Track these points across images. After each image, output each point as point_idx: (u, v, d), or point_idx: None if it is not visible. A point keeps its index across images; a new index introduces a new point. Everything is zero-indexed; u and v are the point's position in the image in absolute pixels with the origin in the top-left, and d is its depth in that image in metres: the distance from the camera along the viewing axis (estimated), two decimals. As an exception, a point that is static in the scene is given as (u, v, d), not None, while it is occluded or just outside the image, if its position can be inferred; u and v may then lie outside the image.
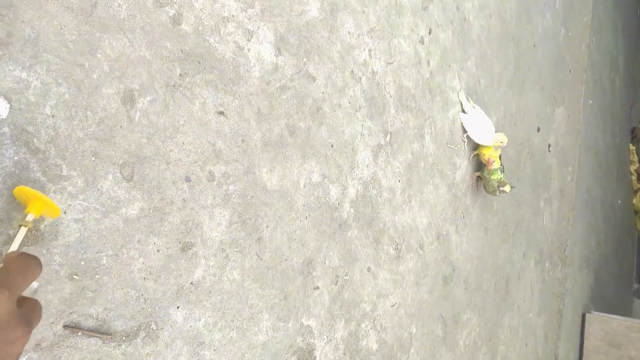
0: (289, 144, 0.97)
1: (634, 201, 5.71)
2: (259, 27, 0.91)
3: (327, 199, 1.08)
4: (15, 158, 0.57)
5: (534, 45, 2.45)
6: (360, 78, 1.18)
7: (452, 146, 1.64)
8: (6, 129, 0.57)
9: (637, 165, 5.53)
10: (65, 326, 0.62)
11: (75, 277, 0.63)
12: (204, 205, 0.80)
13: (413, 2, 1.38)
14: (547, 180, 2.70)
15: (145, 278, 0.72)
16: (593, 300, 3.79)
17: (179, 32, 0.77)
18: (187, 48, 0.78)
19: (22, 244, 0.58)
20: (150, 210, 0.72)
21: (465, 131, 1.69)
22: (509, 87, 2.14)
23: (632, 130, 5.54)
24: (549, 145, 2.72)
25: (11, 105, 0.57)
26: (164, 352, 0.75)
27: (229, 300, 0.85)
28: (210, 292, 0.82)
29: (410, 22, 1.37)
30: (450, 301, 1.66)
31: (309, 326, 1.04)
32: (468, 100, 1.70)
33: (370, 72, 1.21)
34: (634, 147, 5.49)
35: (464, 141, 1.71)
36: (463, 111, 1.68)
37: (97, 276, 0.66)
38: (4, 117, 0.56)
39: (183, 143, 0.77)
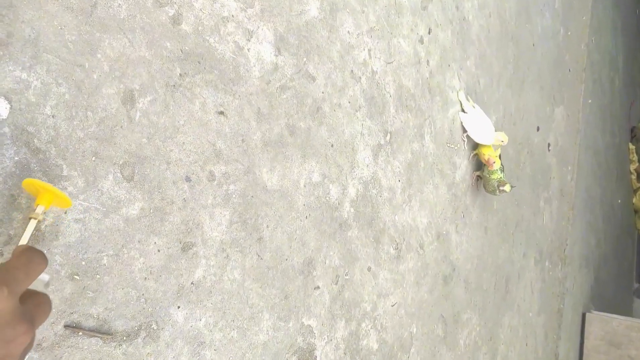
0: (289, 144, 0.98)
1: (634, 200, 5.72)
2: (258, 27, 0.91)
3: (327, 198, 1.08)
4: (16, 158, 0.57)
5: (534, 45, 2.45)
6: (360, 78, 1.18)
7: (452, 146, 1.64)
8: (6, 129, 0.57)
9: (637, 164, 5.53)
10: (66, 326, 0.62)
11: (76, 277, 0.63)
12: (205, 205, 0.81)
13: (412, 1, 1.38)
14: (546, 180, 2.70)
15: (146, 278, 0.72)
16: (593, 299, 3.79)
17: (178, 32, 0.77)
18: (187, 48, 0.78)
19: (31, 238, 0.58)
20: (151, 210, 0.72)
21: (465, 131, 1.69)
22: (509, 86, 2.14)
23: (632, 130, 5.55)
24: (549, 145, 2.72)
25: (11, 106, 0.57)
26: (164, 352, 0.75)
27: (230, 300, 0.85)
28: (210, 291, 0.82)
29: (409, 21, 1.37)
30: (451, 301, 1.66)
31: (310, 326, 1.04)
32: (468, 99, 1.70)
33: (370, 71, 1.21)
34: (634, 147, 5.49)
35: (464, 141, 1.71)
36: (463, 111, 1.68)
37: (97, 276, 0.66)
38: (4, 117, 0.57)
39: (183, 143, 0.77)
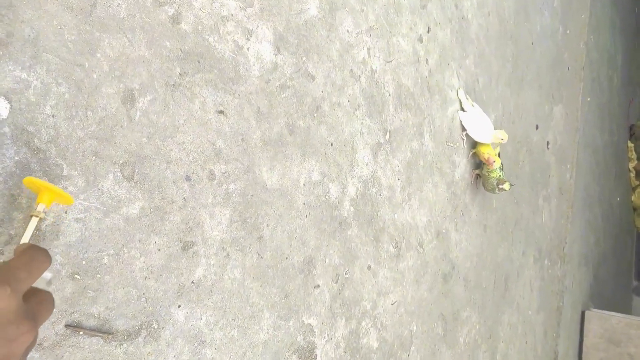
0: (288, 143, 0.98)
1: (633, 198, 5.73)
2: (258, 26, 0.91)
3: (327, 197, 1.08)
4: (16, 158, 0.58)
5: (532, 44, 2.45)
6: (360, 77, 1.18)
7: (451, 144, 1.64)
8: (6, 129, 0.57)
9: (636, 162, 5.54)
10: (67, 325, 0.62)
11: (76, 276, 0.63)
12: (205, 204, 0.81)
13: (411, 0, 1.38)
14: (545, 178, 2.71)
15: (146, 277, 0.72)
16: (592, 297, 3.80)
17: (178, 31, 0.77)
18: (186, 47, 0.78)
19: (32, 236, 0.58)
20: (151, 210, 0.72)
21: (464, 129, 1.69)
22: (508, 85, 2.14)
23: (630, 128, 5.55)
24: (548, 143, 2.73)
25: (11, 105, 0.57)
26: (165, 351, 0.75)
27: (230, 299, 0.86)
28: (211, 290, 0.82)
29: (408, 20, 1.37)
30: (450, 299, 1.67)
31: (310, 324, 1.04)
32: (467, 98, 1.70)
33: (369, 70, 1.21)
34: (632, 145, 5.50)
35: (463, 139, 1.71)
36: (462, 109, 1.68)
37: (98, 275, 0.66)
38: (4, 117, 0.57)
39: (183, 142, 0.77)
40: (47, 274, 0.49)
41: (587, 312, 3.49)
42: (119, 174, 0.68)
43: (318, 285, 1.06)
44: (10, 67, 0.57)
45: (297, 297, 1.00)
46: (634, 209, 5.88)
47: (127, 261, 0.69)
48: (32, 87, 0.59)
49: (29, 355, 0.59)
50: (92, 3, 0.65)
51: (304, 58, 1.01)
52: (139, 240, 0.71)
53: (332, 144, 1.10)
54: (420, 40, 1.44)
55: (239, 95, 0.87)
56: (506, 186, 1.70)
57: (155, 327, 0.73)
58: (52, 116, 0.61)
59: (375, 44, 1.24)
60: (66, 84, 0.62)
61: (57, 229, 0.61)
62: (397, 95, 1.33)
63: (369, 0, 1.20)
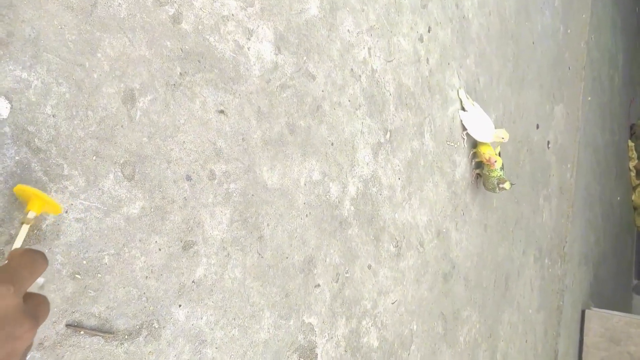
0: (289, 143, 0.98)
1: (633, 197, 5.72)
2: (258, 26, 0.91)
3: (327, 197, 1.08)
4: (17, 158, 0.58)
5: (533, 43, 2.45)
6: (360, 76, 1.18)
7: (452, 144, 1.64)
8: (7, 129, 0.57)
9: (636, 161, 5.54)
10: (68, 325, 0.62)
11: (77, 276, 0.63)
12: (205, 203, 0.81)
13: (412, 0, 1.38)
14: (546, 178, 2.71)
15: (147, 277, 0.72)
16: (592, 296, 3.80)
17: (179, 31, 0.77)
18: (187, 47, 0.78)
19: (24, 243, 0.58)
20: (152, 209, 0.73)
21: (464, 129, 1.69)
22: (508, 84, 2.14)
23: (631, 127, 5.55)
24: (548, 143, 2.72)
25: (12, 105, 0.57)
26: (166, 350, 0.75)
27: (231, 299, 0.86)
28: (211, 290, 0.82)
29: (409, 20, 1.37)
30: (450, 298, 1.67)
31: (310, 324, 1.04)
32: (467, 98, 1.70)
33: (369, 70, 1.21)
34: (633, 144, 5.50)
35: (464, 139, 1.71)
36: (462, 109, 1.68)
37: (99, 275, 0.66)
38: (4, 117, 0.57)
39: (184, 142, 0.77)
40: (39, 279, 0.49)
41: (587, 311, 3.49)
42: (119, 173, 0.68)
43: (318, 285, 1.06)
44: (10, 66, 0.57)
45: (298, 296, 1.00)
46: (635, 208, 5.88)
47: (127, 261, 0.69)
48: (32, 86, 0.59)
49: (29, 355, 0.59)
50: (93, 3, 0.65)
51: (305, 58, 1.01)
52: (140, 240, 0.71)
53: (332, 144, 1.09)
54: (421, 39, 1.44)
55: (239, 94, 0.87)
56: (507, 185, 1.70)
57: (156, 327, 0.73)
58: (53, 116, 0.61)
59: (376, 44, 1.24)
60: (67, 84, 0.62)
61: (57, 228, 0.61)
62: (397, 95, 1.33)
63: (369, -1, 1.20)
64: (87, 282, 0.64)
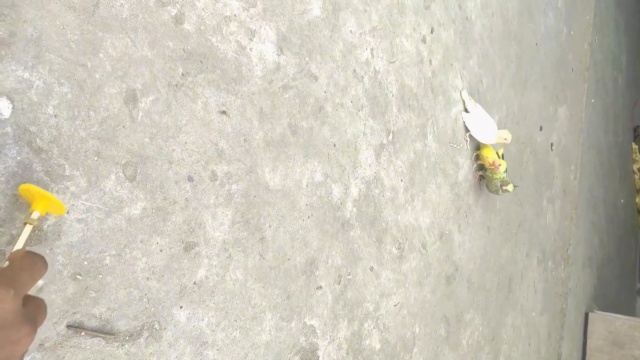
0: (291, 144, 0.97)
1: (637, 200, 5.70)
2: (261, 27, 0.90)
3: (329, 198, 1.08)
4: (18, 158, 0.57)
5: (536, 44, 2.44)
6: (363, 77, 1.18)
7: (455, 145, 1.63)
8: (9, 129, 0.57)
9: (640, 164, 5.51)
10: (69, 326, 0.62)
11: (78, 277, 0.63)
12: (207, 204, 0.80)
13: (415, 1, 1.38)
14: (549, 179, 2.70)
15: (148, 278, 0.71)
16: (596, 299, 3.78)
17: (181, 31, 0.76)
18: (189, 47, 0.78)
19: (26, 243, 0.58)
20: (153, 210, 0.72)
21: (467, 130, 1.68)
22: (511, 86, 2.13)
23: (635, 129, 5.53)
24: (552, 144, 2.71)
25: (14, 105, 0.57)
26: (167, 352, 0.75)
27: (232, 300, 0.85)
28: (213, 291, 0.82)
29: (412, 21, 1.37)
30: (453, 300, 1.66)
31: (312, 326, 1.03)
32: (470, 99, 1.69)
33: (372, 71, 1.21)
34: (637, 146, 5.47)
35: (467, 140, 1.70)
36: (465, 110, 1.68)
37: (100, 276, 0.66)
38: (6, 117, 0.56)
39: (185, 143, 0.77)
40: (39, 282, 0.49)
41: (590, 314, 3.47)
42: (121, 174, 0.68)
43: (320, 287, 1.06)
44: (12, 66, 0.57)
45: (300, 298, 1.00)
46: (638, 211, 5.85)
47: (129, 262, 0.69)
48: (34, 87, 0.59)
49: (29, 357, 0.59)
50: (95, 3, 0.65)
51: (307, 58, 1.01)
52: (141, 241, 0.71)
53: (334, 145, 1.09)
54: (424, 40, 1.43)
55: (241, 95, 0.87)
56: (510, 187, 1.69)
57: (157, 328, 0.73)
58: (55, 116, 0.61)
59: (379, 45, 1.23)
60: (68, 84, 0.62)
61: (59, 229, 0.61)
62: (400, 96, 1.32)
63: (372, 0, 1.20)
64: (88, 283, 0.64)
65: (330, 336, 1.09)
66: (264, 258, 0.91)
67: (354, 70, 1.15)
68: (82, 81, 0.64)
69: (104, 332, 0.66)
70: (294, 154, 0.98)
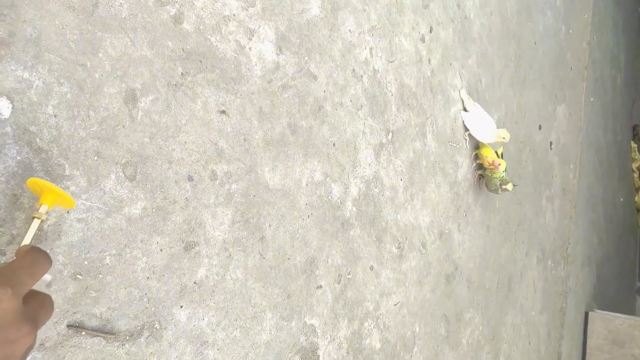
0: (290, 143, 0.97)
1: (636, 199, 5.70)
2: (260, 26, 0.91)
3: (329, 197, 1.08)
4: (18, 158, 0.57)
5: (535, 43, 2.45)
6: (362, 76, 1.18)
7: (454, 144, 1.63)
8: (9, 129, 0.57)
9: (639, 162, 5.52)
10: (69, 326, 0.62)
11: (78, 276, 0.63)
12: (207, 204, 0.80)
13: (414, 0, 1.38)
14: (548, 178, 2.70)
15: (148, 277, 0.72)
16: (596, 298, 3.78)
17: (180, 31, 0.77)
18: (188, 47, 0.78)
19: (33, 238, 0.57)
20: (153, 210, 0.72)
21: (466, 129, 1.68)
22: (510, 85, 2.13)
23: (634, 128, 5.53)
24: (551, 143, 2.72)
25: (13, 105, 0.57)
26: (167, 351, 0.75)
27: (232, 300, 0.85)
28: (213, 291, 0.82)
29: (411, 20, 1.37)
30: (453, 300, 1.66)
31: (312, 325, 1.04)
32: (469, 98, 1.69)
33: (371, 70, 1.21)
34: (636, 145, 5.48)
35: (466, 139, 1.70)
36: (464, 109, 1.68)
37: (100, 276, 0.66)
38: (6, 116, 0.56)
39: (185, 142, 0.77)
40: (47, 276, 0.48)
41: (590, 313, 3.47)
42: (121, 174, 0.68)
43: (320, 286, 1.06)
44: (12, 66, 0.57)
45: (300, 297, 1.00)
46: (638, 210, 5.85)
47: (129, 261, 0.69)
48: (34, 86, 0.59)
49: (30, 356, 0.59)
50: (94, 3, 0.65)
51: (306, 58, 1.01)
52: (141, 241, 0.71)
53: (334, 144, 1.09)
54: (423, 40, 1.43)
55: (241, 95, 0.87)
56: (509, 186, 1.69)
57: (158, 328, 0.73)
58: (54, 116, 0.61)
59: (378, 44, 1.23)
60: (68, 84, 0.62)
61: (59, 229, 0.61)
62: (399, 95, 1.33)
63: None
64: (88, 282, 0.64)
65: (330, 335, 1.09)
66: (264, 257, 0.91)
67: (353, 69, 1.15)
68: (81, 81, 0.64)
69: (104, 331, 0.66)
70: (294, 153, 0.98)
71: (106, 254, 0.66)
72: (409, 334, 1.39)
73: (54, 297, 0.61)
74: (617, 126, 4.70)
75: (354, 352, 1.17)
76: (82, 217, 0.64)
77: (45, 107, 0.60)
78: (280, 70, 0.95)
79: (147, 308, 0.71)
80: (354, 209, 1.16)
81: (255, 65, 0.90)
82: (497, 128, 1.70)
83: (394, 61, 1.30)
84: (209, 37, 0.81)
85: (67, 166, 0.62)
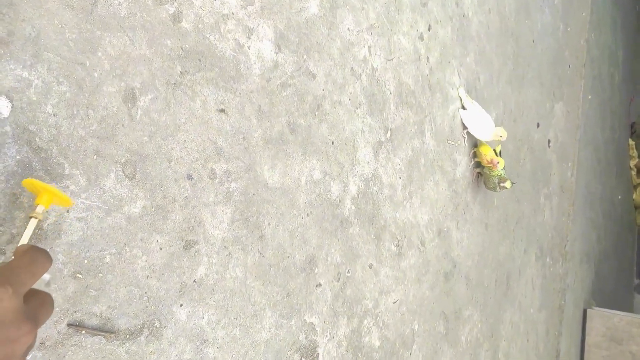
0: (289, 141, 0.97)
1: (634, 196, 5.72)
2: (258, 25, 0.91)
3: (328, 196, 1.08)
4: (18, 157, 0.57)
5: (533, 41, 2.45)
6: (360, 75, 1.18)
7: (453, 142, 1.64)
8: (8, 128, 0.57)
9: (637, 160, 5.53)
10: (69, 325, 0.62)
11: (78, 275, 0.63)
12: (206, 203, 0.81)
13: (412, -2, 1.38)
14: (547, 176, 2.71)
15: (148, 276, 0.72)
16: (594, 295, 3.80)
17: (179, 29, 0.77)
18: (187, 46, 0.78)
19: (31, 237, 0.58)
20: (153, 209, 0.72)
21: (465, 127, 1.69)
22: (509, 83, 2.14)
23: (631, 125, 5.55)
24: (549, 141, 2.72)
25: (13, 104, 0.57)
26: (167, 350, 0.75)
27: (232, 298, 0.86)
28: (213, 289, 0.82)
29: (409, 18, 1.37)
30: (452, 297, 1.67)
31: (312, 323, 1.04)
32: (467, 96, 1.70)
33: (370, 68, 1.21)
34: (634, 142, 5.49)
35: (464, 137, 1.71)
36: (463, 107, 1.68)
37: (100, 275, 0.66)
38: (5, 116, 0.56)
39: (184, 141, 0.77)
40: (45, 276, 0.48)
41: (588, 311, 3.49)
42: (120, 172, 0.68)
43: (320, 284, 1.06)
44: (11, 66, 0.57)
45: (299, 295, 1.00)
46: (636, 207, 5.87)
47: (129, 260, 0.69)
48: (33, 86, 0.59)
49: (30, 355, 0.59)
50: (93, 2, 0.65)
51: (305, 56, 1.01)
52: (141, 239, 0.71)
53: (333, 143, 1.09)
54: (421, 38, 1.44)
55: (240, 93, 0.87)
56: (507, 184, 1.69)
57: (158, 326, 0.73)
58: (54, 115, 0.61)
59: (376, 42, 1.24)
60: (67, 83, 0.62)
61: (59, 228, 0.61)
62: (398, 94, 1.33)
63: (369, -2, 1.20)
64: (88, 281, 0.64)
65: (330, 333, 1.09)
66: (263, 256, 0.92)
67: (352, 67, 1.15)
68: (80, 80, 0.64)
69: (104, 330, 0.66)
70: (293, 151, 0.98)
71: (106, 252, 0.66)
72: (408, 332, 1.40)
73: (53, 295, 0.61)
74: (615, 124, 4.71)
75: (353, 349, 1.17)
76: (82, 216, 0.64)
77: (45, 106, 0.60)
78: (279, 68, 0.95)
79: (147, 307, 0.72)
80: (353, 207, 1.16)
81: (254, 63, 0.90)
82: (495, 126, 1.70)
83: (392, 59, 1.30)
84: (207, 35, 0.81)
85: (66, 165, 0.62)
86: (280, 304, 0.96)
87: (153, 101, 0.72)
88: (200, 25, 0.80)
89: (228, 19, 0.85)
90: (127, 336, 0.69)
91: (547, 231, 2.71)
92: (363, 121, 1.19)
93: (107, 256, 0.67)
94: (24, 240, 0.53)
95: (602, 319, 3.41)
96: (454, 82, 1.64)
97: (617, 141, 4.84)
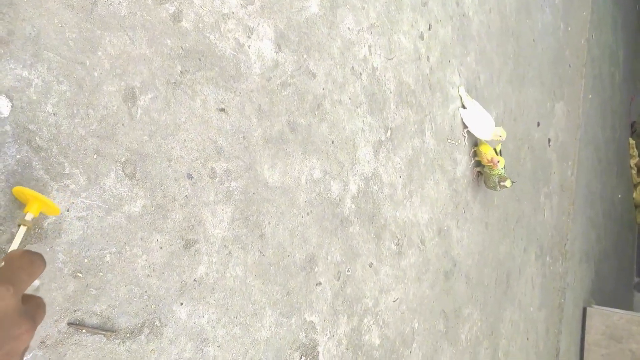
0: (290, 141, 0.98)
1: (634, 195, 5.72)
2: (259, 24, 0.91)
3: (328, 195, 1.08)
4: (18, 156, 0.58)
5: (534, 41, 2.45)
6: (361, 74, 1.18)
7: (453, 142, 1.64)
8: (8, 127, 0.57)
9: (637, 159, 5.53)
10: (70, 324, 0.62)
11: (79, 274, 0.63)
12: (206, 202, 0.81)
13: (412, -3, 1.38)
14: (547, 175, 2.71)
15: (148, 275, 0.72)
16: (593, 294, 3.80)
17: (179, 29, 0.77)
18: (187, 45, 0.78)
19: (23, 243, 0.58)
20: (153, 208, 0.73)
21: (465, 126, 1.69)
22: (509, 82, 2.14)
23: (632, 125, 5.55)
24: (549, 140, 2.72)
25: (13, 104, 0.57)
26: (168, 348, 0.75)
27: (232, 297, 0.86)
28: (213, 288, 0.82)
29: (410, 17, 1.37)
30: (452, 296, 1.67)
31: (312, 322, 1.04)
32: (467, 95, 1.69)
33: (370, 68, 1.21)
34: (634, 141, 5.49)
35: (464, 136, 1.71)
36: (463, 107, 1.68)
37: (100, 274, 0.66)
38: (5, 115, 0.57)
39: (184, 140, 0.77)
40: (35, 282, 0.49)
41: (588, 309, 3.49)
42: (120, 172, 0.68)
43: (320, 283, 1.06)
44: (11, 65, 0.57)
45: (299, 294, 1.00)
46: (636, 206, 5.87)
47: (129, 259, 0.69)
48: (33, 85, 0.59)
49: (31, 354, 0.59)
50: (93, 1, 0.65)
51: (305, 56, 1.01)
52: (141, 238, 0.71)
53: (333, 142, 1.09)
54: (422, 37, 1.43)
55: (240, 93, 0.87)
56: (508, 183, 1.69)
57: (158, 325, 0.73)
58: (54, 114, 0.61)
59: (376, 42, 1.23)
60: (67, 82, 0.62)
61: (59, 227, 0.61)
62: (398, 93, 1.33)
63: (369, -3, 1.20)
64: (88, 280, 0.64)
65: (330, 332, 1.09)
66: (263, 255, 0.92)
67: (352, 67, 1.15)
68: (80, 79, 0.64)
69: (104, 329, 0.66)
70: (293, 151, 0.98)
71: (106, 251, 0.67)
72: (408, 330, 1.40)
73: (54, 295, 0.61)
74: (616, 123, 4.71)
75: (353, 348, 1.17)
76: (82, 215, 0.64)
77: (45, 105, 0.60)
78: (279, 68, 0.95)
79: (147, 305, 0.72)
80: (353, 206, 1.16)
81: (254, 63, 0.90)
82: (496, 126, 1.70)
83: (392, 59, 1.30)
84: (208, 35, 0.81)
85: (66, 164, 0.62)
86: (280, 302, 0.96)
87: (153, 100, 0.73)
88: (200, 25, 0.80)
89: (228, 18, 0.85)
90: (128, 335, 0.69)
91: (547, 230, 2.72)
92: (363, 120, 1.19)
93: (108, 255, 0.67)
94: (14, 246, 0.53)
95: (602, 317, 3.42)
96: (455, 82, 1.64)
97: (618, 140, 4.84)
